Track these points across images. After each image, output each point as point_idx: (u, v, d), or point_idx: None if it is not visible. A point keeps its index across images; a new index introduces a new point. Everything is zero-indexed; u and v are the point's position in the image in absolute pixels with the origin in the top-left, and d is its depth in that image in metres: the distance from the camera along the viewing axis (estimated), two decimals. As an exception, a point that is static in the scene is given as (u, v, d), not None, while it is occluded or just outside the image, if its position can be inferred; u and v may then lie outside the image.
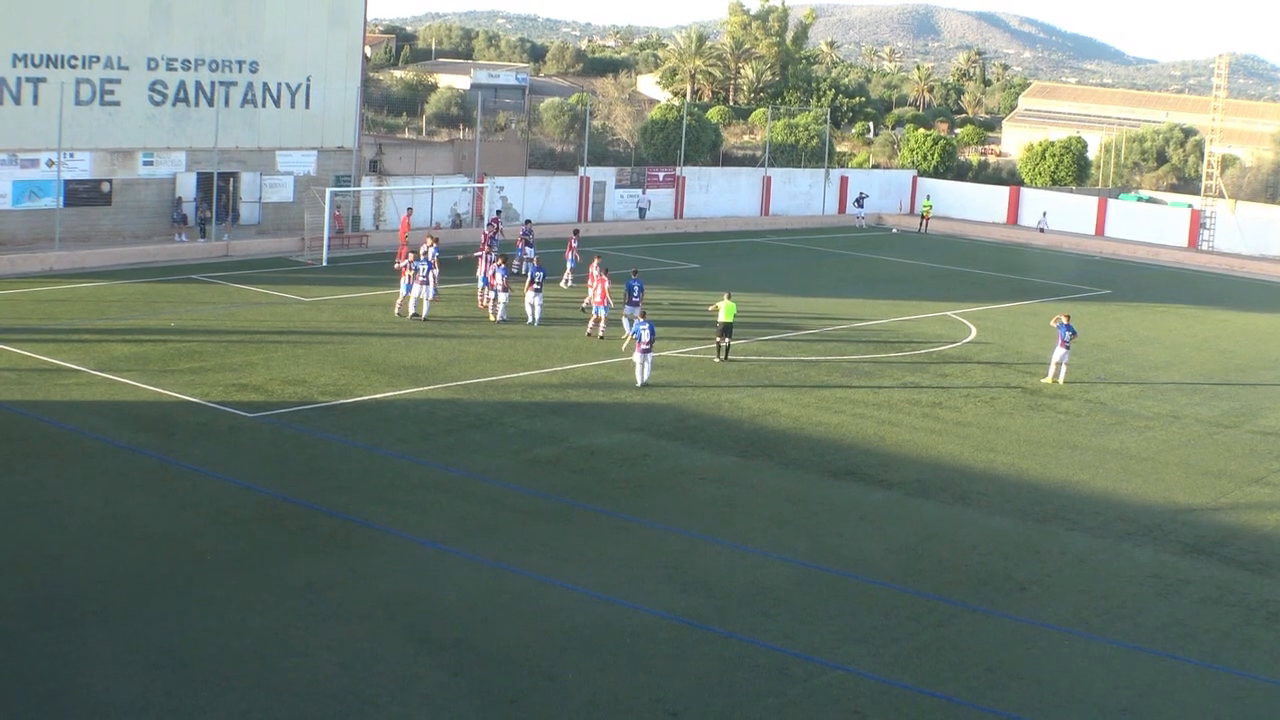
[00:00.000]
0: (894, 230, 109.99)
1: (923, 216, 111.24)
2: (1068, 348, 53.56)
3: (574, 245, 69.32)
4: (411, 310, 58.36)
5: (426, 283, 58.27)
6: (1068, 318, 54.16)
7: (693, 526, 34.30)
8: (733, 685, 25.32)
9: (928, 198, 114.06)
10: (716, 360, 53.78)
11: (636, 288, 55.44)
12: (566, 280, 67.85)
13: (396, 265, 62.99)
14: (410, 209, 77.54)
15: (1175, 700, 26.35)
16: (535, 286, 58.47)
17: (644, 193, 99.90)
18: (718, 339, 54.23)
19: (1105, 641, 28.86)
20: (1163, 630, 29.75)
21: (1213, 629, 30.09)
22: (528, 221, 75.96)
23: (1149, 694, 26.48)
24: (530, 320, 58.39)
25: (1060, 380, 53.37)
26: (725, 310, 53.73)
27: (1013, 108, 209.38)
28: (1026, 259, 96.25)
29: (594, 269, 58.85)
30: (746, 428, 44.13)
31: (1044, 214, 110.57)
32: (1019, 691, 26.04)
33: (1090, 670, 27.31)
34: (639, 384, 48.38)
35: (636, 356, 48.57)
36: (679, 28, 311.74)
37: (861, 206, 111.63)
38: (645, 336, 48.49)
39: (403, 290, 58.91)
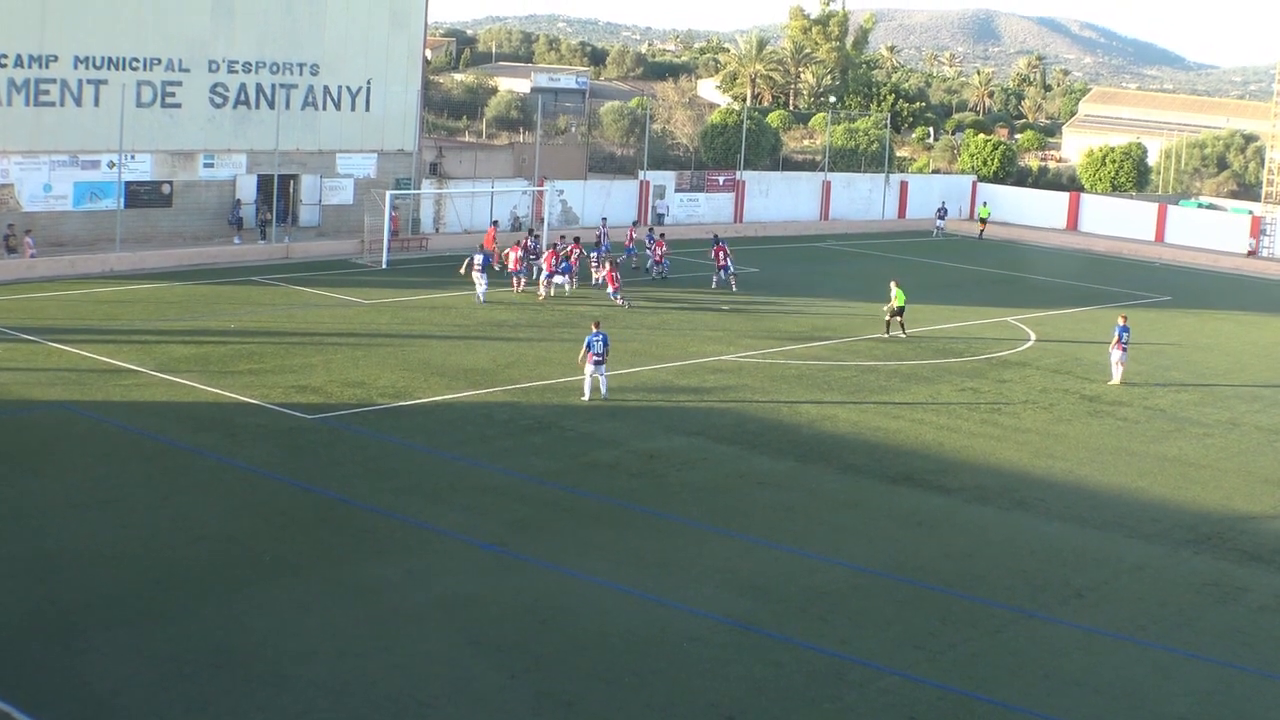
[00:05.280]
0: (937, 230, 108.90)
1: (981, 221, 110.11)
2: (1125, 349, 53.51)
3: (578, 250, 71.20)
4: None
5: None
6: (1124, 319, 54.22)
7: (750, 531, 34.29)
8: (789, 690, 25.31)
9: (984, 204, 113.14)
10: (886, 335, 60.88)
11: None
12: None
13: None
14: (495, 221, 77.49)
15: (1233, 709, 26.20)
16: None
17: (662, 200, 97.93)
18: (888, 318, 61.31)
19: (1163, 649, 28.74)
20: (1221, 638, 29.59)
21: (1271, 637, 29.93)
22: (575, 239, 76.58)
23: (1207, 702, 26.34)
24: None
25: (1117, 380, 53.35)
26: (896, 296, 60.55)
27: (1073, 113, 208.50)
28: (1087, 265, 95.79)
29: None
30: (805, 432, 44.08)
31: (1266, 229, 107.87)
32: (1075, 698, 25.94)
33: (1147, 678, 27.20)
34: (585, 397, 46.15)
35: (588, 368, 46.43)
36: (739, 32, 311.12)
37: (942, 218, 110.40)
38: (599, 348, 46.06)
39: (559, 279, 66.15)
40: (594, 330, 46.32)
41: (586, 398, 46.02)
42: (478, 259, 63.48)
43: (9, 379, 44.36)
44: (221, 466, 36.62)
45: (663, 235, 77.73)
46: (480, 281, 63.01)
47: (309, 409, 42.70)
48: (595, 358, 45.91)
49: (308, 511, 33.74)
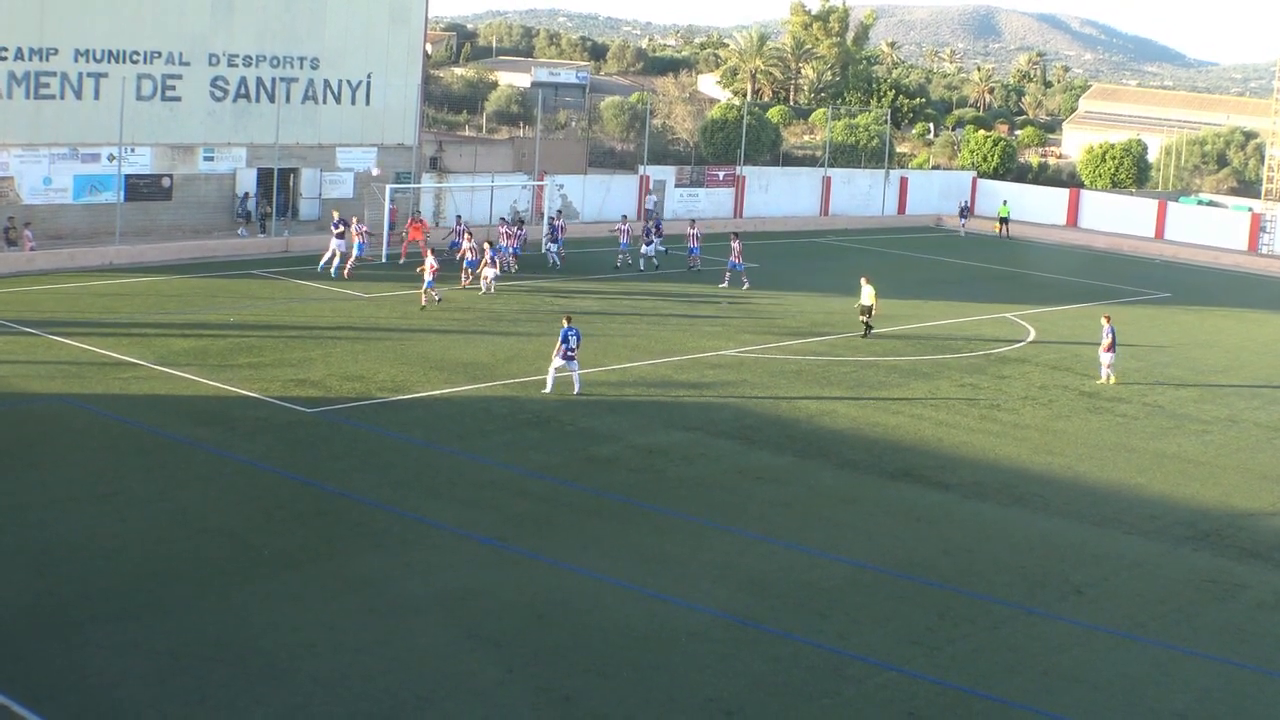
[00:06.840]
0: (961, 229, 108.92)
1: (1002, 220, 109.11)
2: (1113, 350, 53.48)
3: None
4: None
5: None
6: (1108, 319, 54.21)
7: (749, 526, 34.28)
8: (787, 685, 25.30)
9: (1004, 202, 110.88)
10: (862, 336, 59.74)
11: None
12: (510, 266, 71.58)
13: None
14: (418, 213, 78.11)
15: (1232, 706, 26.19)
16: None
17: (650, 194, 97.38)
18: (862, 317, 60.28)
19: (1161, 645, 28.73)
20: (1219, 635, 29.59)
21: (1270, 634, 29.93)
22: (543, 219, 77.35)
23: (1205, 699, 26.34)
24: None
25: (1111, 379, 53.31)
26: (866, 293, 59.88)
27: (1073, 110, 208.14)
28: (1087, 262, 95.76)
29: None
30: (804, 428, 44.07)
31: (1266, 226, 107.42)
32: (1074, 694, 25.93)
33: (1146, 674, 27.19)
34: (548, 389, 45.78)
35: (558, 362, 45.94)
36: (740, 27, 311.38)
37: (964, 217, 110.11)
38: (572, 342, 45.60)
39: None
40: (566, 324, 46.08)
41: (549, 390, 45.82)
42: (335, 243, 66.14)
43: (8, 371, 44.32)
44: (220, 460, 36.61)
45: (693, 223, 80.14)
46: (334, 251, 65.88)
47: (308, 403, 42.68)
48: (568, 352, 45.62)
49: (306, 505, 33.71)
